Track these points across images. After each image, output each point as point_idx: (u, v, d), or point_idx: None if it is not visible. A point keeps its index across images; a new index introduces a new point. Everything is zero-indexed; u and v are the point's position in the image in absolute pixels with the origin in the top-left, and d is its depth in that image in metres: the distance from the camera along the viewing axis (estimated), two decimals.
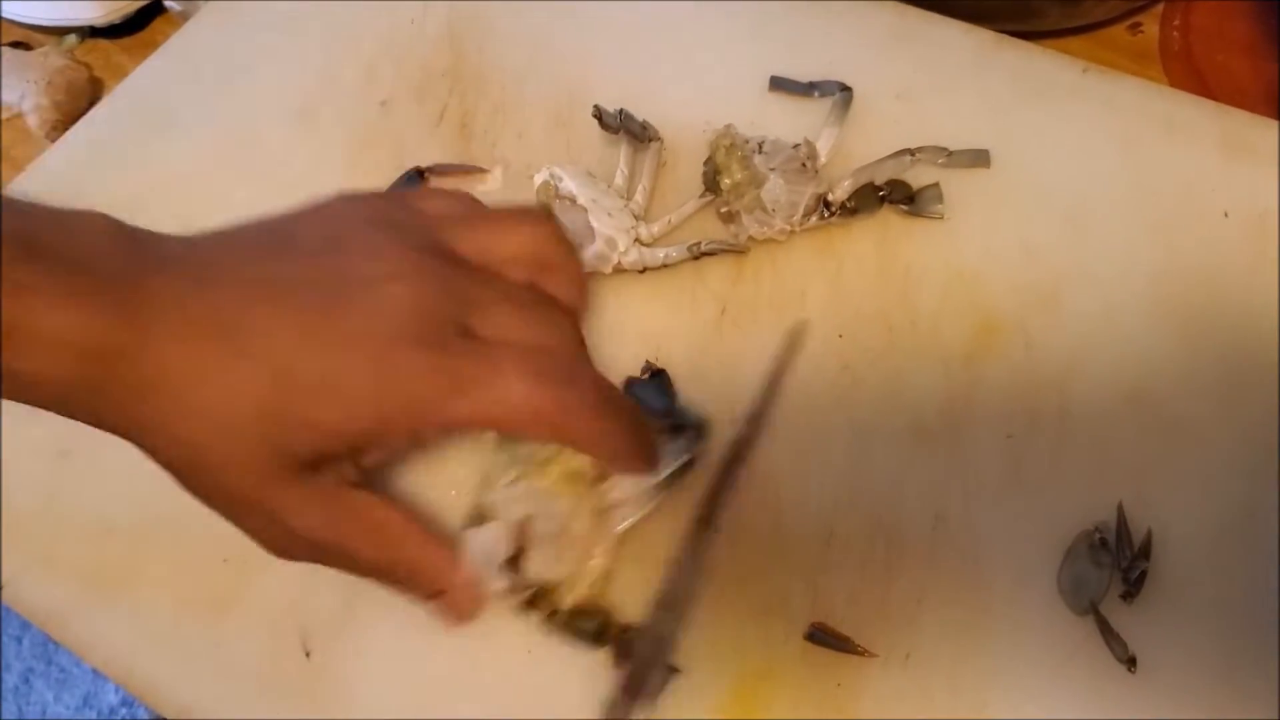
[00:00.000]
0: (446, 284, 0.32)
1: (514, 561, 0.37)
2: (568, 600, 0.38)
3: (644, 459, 0.36)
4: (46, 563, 0.42)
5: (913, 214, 0.46)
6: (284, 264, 0.32)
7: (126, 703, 1.13)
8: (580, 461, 0.37)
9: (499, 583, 0.37)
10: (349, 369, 0.30)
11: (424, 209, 0.35)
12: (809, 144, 0.47)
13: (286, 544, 0.33)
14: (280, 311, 0.31)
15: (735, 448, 0.40)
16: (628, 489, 0.38)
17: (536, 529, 0.37)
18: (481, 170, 0.50)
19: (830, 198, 0.46)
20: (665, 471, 0.39)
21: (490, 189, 0.50)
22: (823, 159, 0.47)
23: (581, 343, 0.35)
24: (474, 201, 0.36)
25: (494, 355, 0.31)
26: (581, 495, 0.38)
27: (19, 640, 1.16)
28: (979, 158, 0.47)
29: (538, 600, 0.38)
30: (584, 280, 0.36)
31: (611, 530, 0.39)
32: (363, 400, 0.30)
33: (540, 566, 0.37)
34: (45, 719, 1.13)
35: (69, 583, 0.41)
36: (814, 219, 0.46)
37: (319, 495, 0.32)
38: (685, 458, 0.40)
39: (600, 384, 0.34)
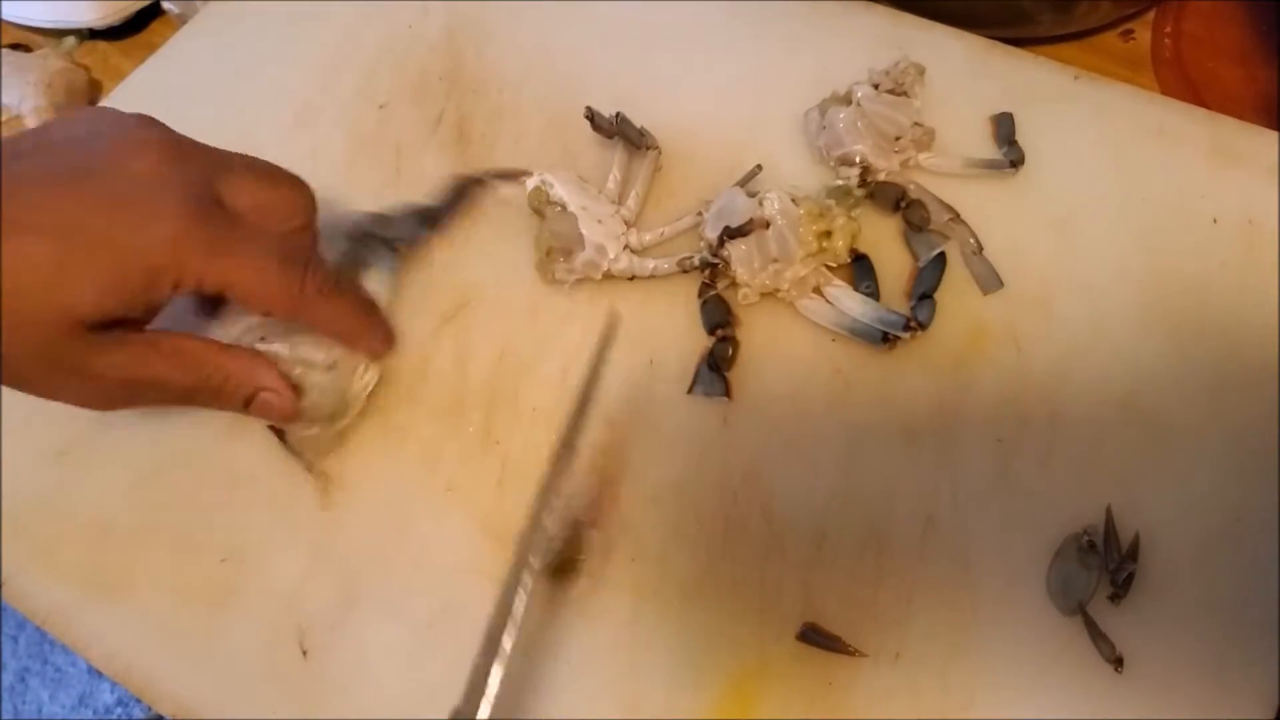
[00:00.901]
0: (195, 152, 0.38)
1: (726, 235, 0.43)
2: (741, 293, 0.44)
3: (372, 340, 0.43)
4: (46, 561, 0.42)
5: (908, 239, 0.47)
6: (45, 153, 0.36)
7: (122, 702, 1.13)
8: (834, 251, 0.44)
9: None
10: (119, 233, 0.34)
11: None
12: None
13: (100, 393, 0.37)
14: (54, 188, 0.35)
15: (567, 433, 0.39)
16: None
17: (769, 232, 0.43)
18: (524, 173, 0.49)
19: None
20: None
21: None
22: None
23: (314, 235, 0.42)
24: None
25: (249, 231, 0.38)
26: (812, 254, 0.44)
27: (14, 639, 1.16)
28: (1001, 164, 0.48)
29: (716, 279, 0.45)
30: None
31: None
32: (132, 255, 0.35)
33: (741, 257, 0.44)
34: (41, 718, 1.13)
35: (68, 581, 0.42)
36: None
37: (116, 341, 0.36)
38: None
39: (329, 272, 0.40)
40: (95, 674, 1.05)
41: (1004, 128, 0.49)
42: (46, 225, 0.34)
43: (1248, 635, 0.37)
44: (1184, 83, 0.54)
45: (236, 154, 0.40)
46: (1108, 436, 0.42)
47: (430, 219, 0.48)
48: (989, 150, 0.49)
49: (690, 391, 0.43)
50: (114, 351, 0.36)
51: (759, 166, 0.48)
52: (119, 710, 1.13)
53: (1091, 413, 0.42)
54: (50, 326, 0.34)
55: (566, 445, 0.38)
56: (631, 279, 0.46)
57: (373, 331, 0.43)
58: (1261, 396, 0.42)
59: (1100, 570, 0.38)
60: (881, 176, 0.47)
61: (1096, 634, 0.37)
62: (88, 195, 0.35)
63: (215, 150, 0.39)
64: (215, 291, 0.37)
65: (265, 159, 0.42)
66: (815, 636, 0.38)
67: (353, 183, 0.51)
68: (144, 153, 0.36)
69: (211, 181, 0.38)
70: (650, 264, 0.46)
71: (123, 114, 0.39)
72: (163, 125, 0.39)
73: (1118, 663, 0.37)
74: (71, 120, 0.38)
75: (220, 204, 0.38)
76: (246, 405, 0.40)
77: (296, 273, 0.38)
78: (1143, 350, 0.43)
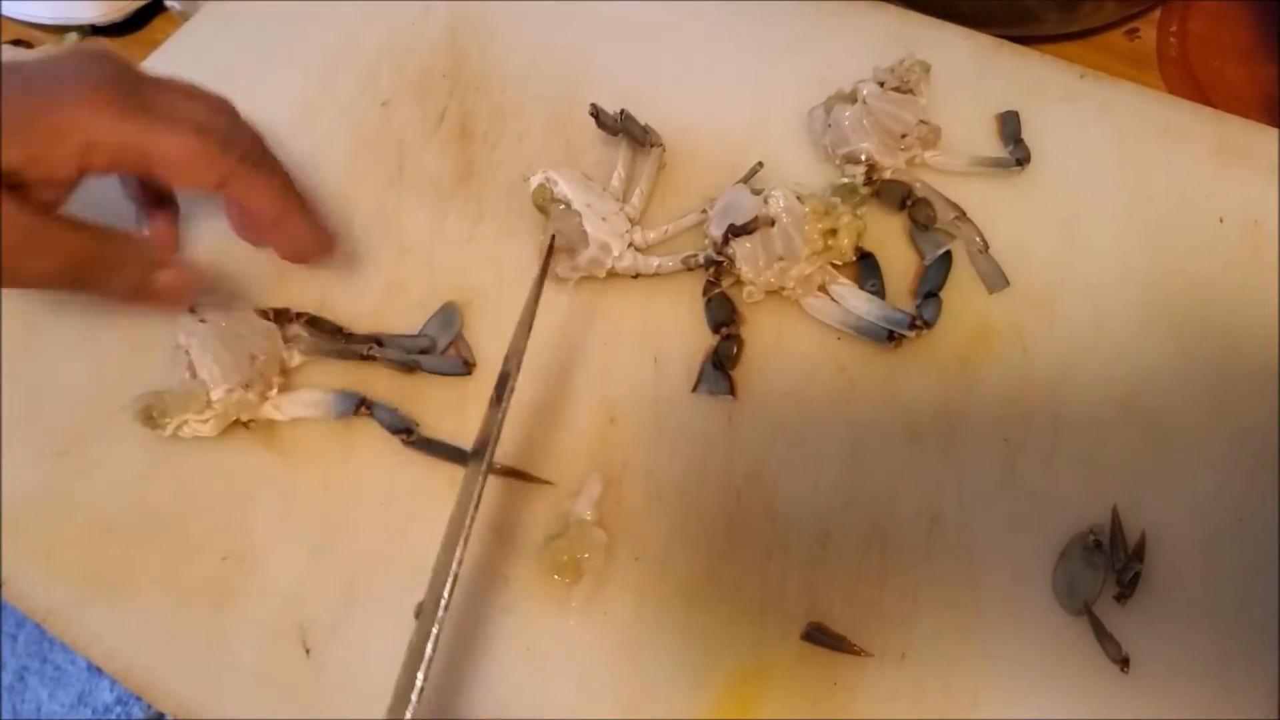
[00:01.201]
0: (127, 67, 0.39)
1: (731, 233, 0.43)
2: (746, 291, 0.44)
3: (298, 230, 0.42)
4: (46, 560, 0.42)
5: (914, 237, 0.47)
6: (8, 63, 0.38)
7: (121, 701, 1.13)
8: (840, 249, 0.44)
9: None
10: (30, 94, 0.36)
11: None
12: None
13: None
14: None
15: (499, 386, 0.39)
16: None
17: (775, 230, 0.43)
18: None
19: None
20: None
21: None
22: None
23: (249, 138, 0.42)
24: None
25: (168, 100, 0.39)
26: (817, 252, 0.43)
27: (14, 638, 1.16)
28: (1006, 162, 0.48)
29: (721, 277, 0.45)
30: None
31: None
32: (37, 111, 0.36)
33: (745, 255, 0.43)
34: (40, 717, 1.13)
35: (68, 580, 0.41)
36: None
37: (13, 203, 0.36)
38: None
39: (257, 141, 0.41)
40: (94, 672, 1.05)
41: (1009, 126, 0.49)
42: None
43: (1252, 635, 0.37)
44: (1189, 82, 0.54)
45: (174, 82, 0.41)
46: (1112, 436, 0.41)
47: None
48: (995, 149, 0.49)
49: (695, 390, 0.43)
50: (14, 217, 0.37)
51: (760, 164, 0.48)
52: (118, 709, 1.13)
53: (1096, 412, 0.42)
54: None
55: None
56: (636, 277, 0.46)
57: (301, 219, 0.42)
58: (1265, 395, 0.41)
59: (1106, 570, 0.38)
60: (887, 174, 0.47)
61: (1102, 634, 0.37)
62: (13, 78, 0.37)
63: (153, 77, 0.40)
64: (134, 165, 0.37)
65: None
66: (820, 636, 0.38)
67: (355, 180, 0.51)
68: (78, 52, 0.39)
69: (139, 80, 0.39)
70: (655, 261, 0.46)
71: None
72: (112, 50, 0.40)
73: (1123, 663, 0.37)
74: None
75: (146, 85, 0.39)
76: (138, 290, 0.41)
77: (217, 138, 0.38)
78: (1147, 349, 0.43)
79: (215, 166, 0.39)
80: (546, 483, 0.42)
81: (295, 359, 0.45)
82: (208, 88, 0.42)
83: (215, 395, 0.42)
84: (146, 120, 0.37)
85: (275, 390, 0.44)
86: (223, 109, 0.41)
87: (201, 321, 0.43)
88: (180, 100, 0.40)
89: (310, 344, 0.45)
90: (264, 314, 0.44)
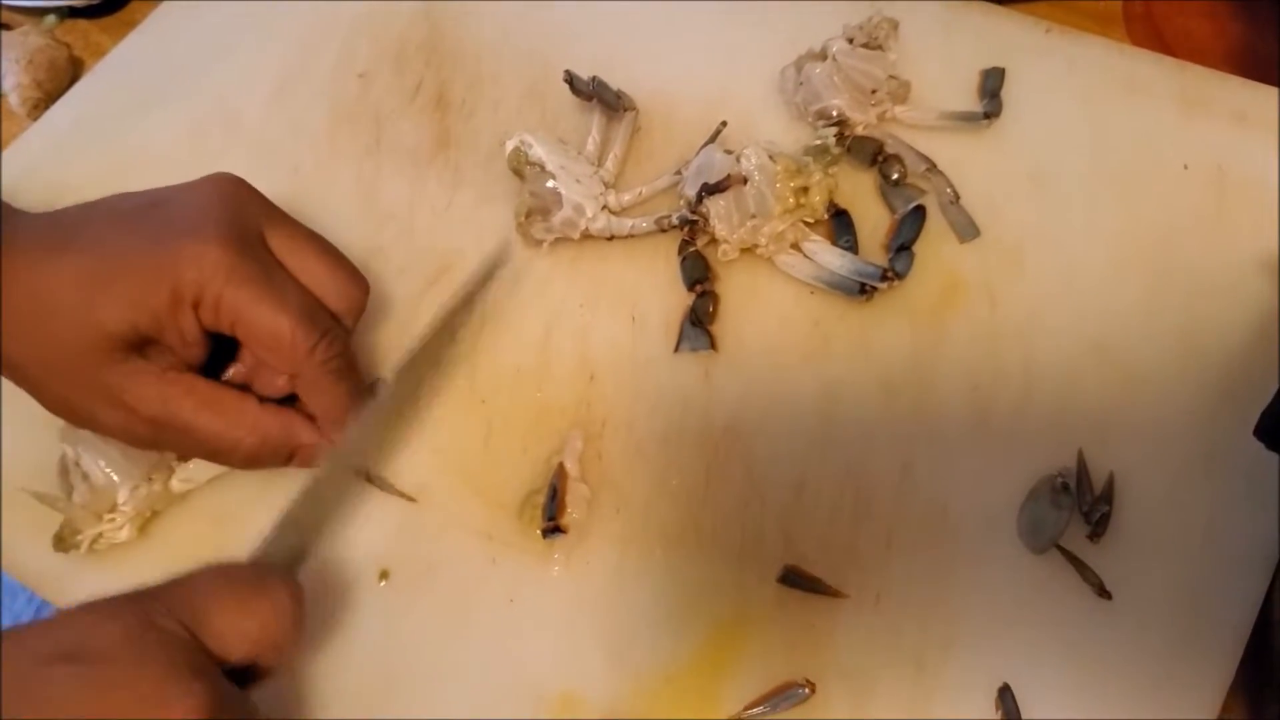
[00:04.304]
0: (257, 201, 0.39)
1: (704, 192, 0.44)
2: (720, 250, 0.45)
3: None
4: (42, 529, 0.42)
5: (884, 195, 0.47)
6: (125, 199, 0.38)
7: None
8: (812, 206, 0.44)
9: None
10: (154, 250, 0.35)
11: None
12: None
13: (129, 427, 0.37)
14: (113, 219, 0.37)
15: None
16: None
17: (747, 188, 0.44)
18: None
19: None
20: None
21: None
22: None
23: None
24: None
25: (281, 276, 0.37)
26: (789, 210, 0.44)
27: None
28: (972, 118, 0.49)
29: (696, 236, 0.46)
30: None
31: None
32: (160, 274, 0.35)
33: (719, 213, 0.44)
34: None
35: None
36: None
37: (150, 374, 0.36)
38: None
39: (346, 350, 0.39)
40: None
41: (991, 81, 0.49)
42: (92, 248, 0.36)
43: (1220, 571, 0.38)
44: (1154, 38, 0.55)
45: (307, 228, 0.40)
46: (1082, 382, 0.42)
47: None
48: (964, 104, 0.49)
49: (677, 350, 0.44)
50: (147, 384, 0.36)
51: (724, 123, 0.48)
52: None
53: (1066, 358, 0.43)
54: (83, 342, 0.35)
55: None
56: (610, 239, 0.47)
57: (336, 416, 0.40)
58: (1230, 336, 0.42)
59: (1071, 510, 0.39)
60: (859, 130, 0.48)
61: (1081, 565, 0.38)
62: (136, 222, 0.37)
63: (286, 215, 0.39)
64: (229, 326, 0.36)
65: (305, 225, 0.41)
66: (796, 579, 0.39)
67: (334, 151, 0.52)
68: (204, 189, 0.38)
69: (264, 228, 0.38)
70: (629, 223, 0.46)
71: (223, 174, 0.39)
72: (243, 182, 0.39)
73: (1101, 590, 0.38)
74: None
75: (265, 247, 0.38)
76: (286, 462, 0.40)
77: (313, 332, 0.37)
78: (1114, 296, 0.44)
79: (294, 361, 0.37)
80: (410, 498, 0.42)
81: None
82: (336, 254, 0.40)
83: (120, 498, 0.40)
84: (253, 291, 0.36)
85: (180, 463, 0.42)
86: (345, 311, 0.40)
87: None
88: (296, 274, 0.38)
89: None
90: None
